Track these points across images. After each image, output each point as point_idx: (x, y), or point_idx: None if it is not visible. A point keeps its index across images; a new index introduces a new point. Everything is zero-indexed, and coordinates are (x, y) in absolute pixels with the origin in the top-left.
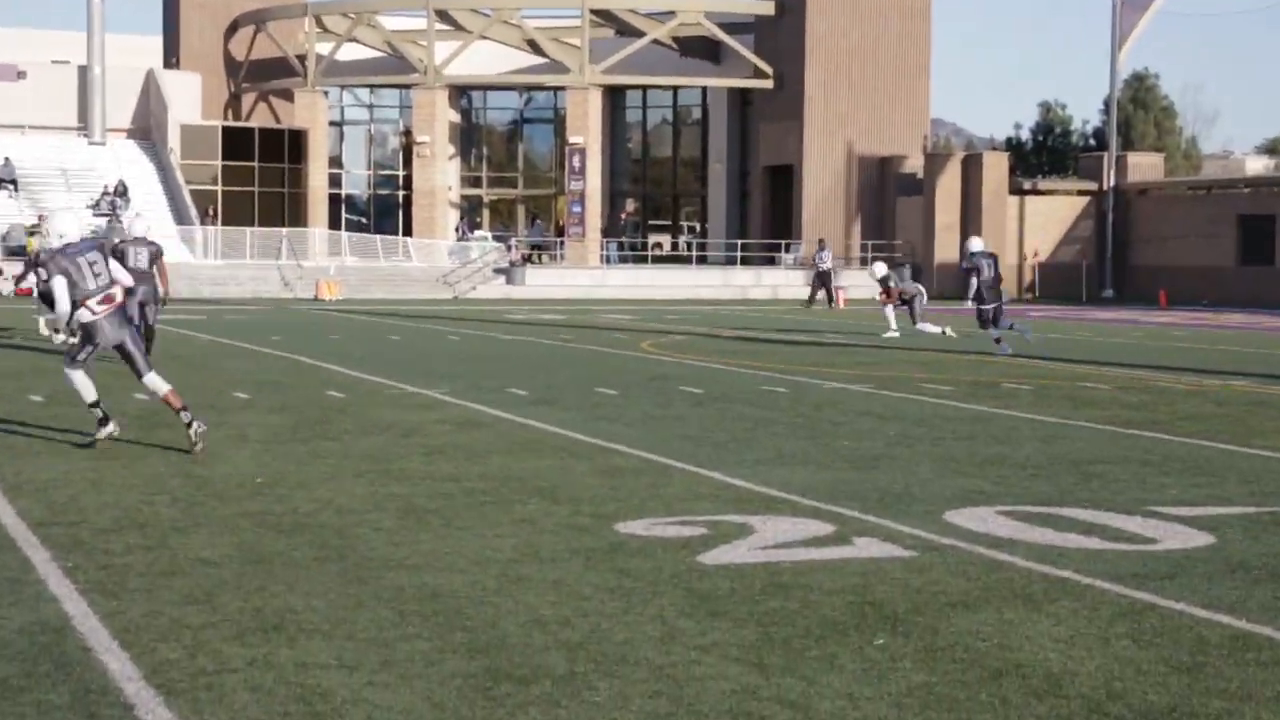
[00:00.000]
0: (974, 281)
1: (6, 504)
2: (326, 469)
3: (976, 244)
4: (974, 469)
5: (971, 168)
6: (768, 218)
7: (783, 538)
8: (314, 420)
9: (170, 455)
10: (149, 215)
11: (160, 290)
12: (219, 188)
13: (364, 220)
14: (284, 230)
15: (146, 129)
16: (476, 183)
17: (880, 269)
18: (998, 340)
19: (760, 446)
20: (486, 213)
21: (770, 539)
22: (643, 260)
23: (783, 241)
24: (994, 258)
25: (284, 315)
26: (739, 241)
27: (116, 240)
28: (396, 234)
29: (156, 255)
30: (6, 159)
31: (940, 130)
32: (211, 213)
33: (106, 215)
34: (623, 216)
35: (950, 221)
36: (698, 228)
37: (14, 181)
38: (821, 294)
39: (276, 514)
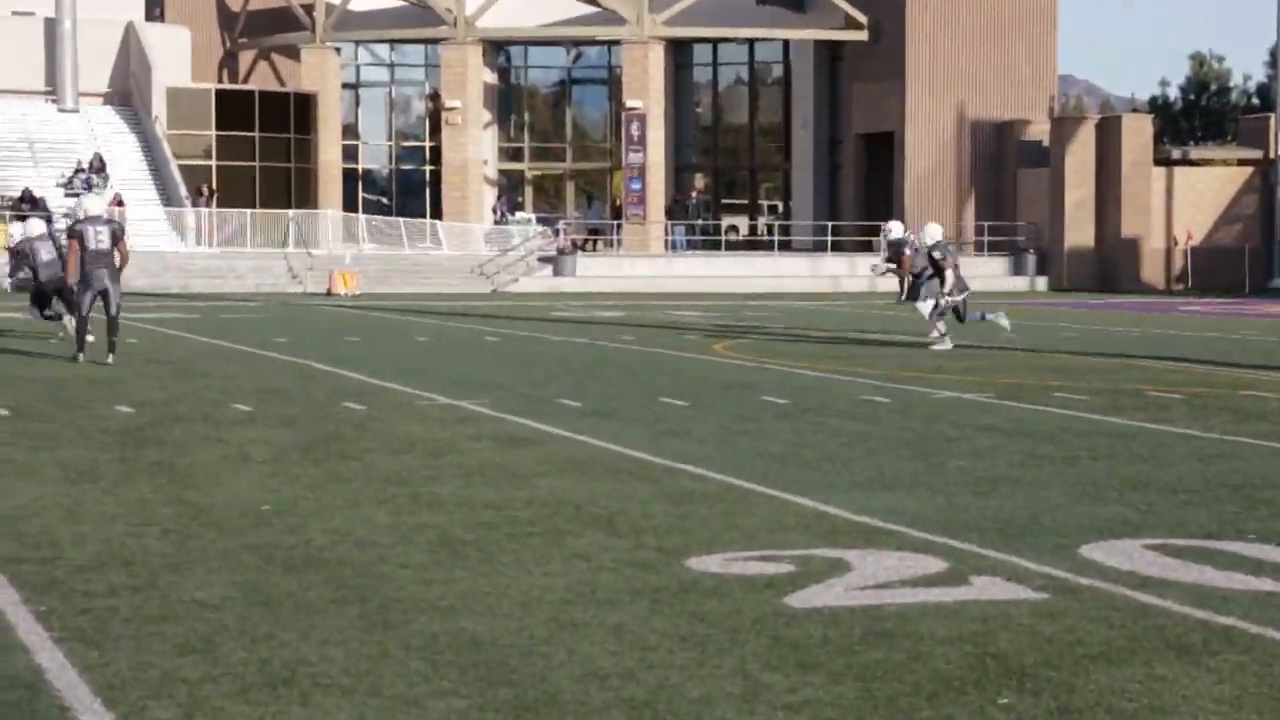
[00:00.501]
0: (949, 275)
1: None
2: (344, 494)
3: (937, 231)
4: (1115, 494)
5: (1108, 134)
6: (863, 195)
7: (886, 576)
8: (328, 437)
9: (160, 478)
10: (130, 193)
11: (118, 264)
12: (213, 162)
13: (385, 200)
14: (290, 213)
15: (127, 93)
16: (517, 155)
17: (896, 228)
18: (967, 320)
19: (859, 467)
20: (529, 191)
21: (871, 577)
22: (715, 247)
23: (880, 224)
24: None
25: (291, 313)
26: (829, 224)
27: (72, 221)
28: (423, 216)
29: (119, 235)
30: None
31: (1070, 89)
32: (205, 192)
33: (81, 194)
34: (692, 195)
35: (1083, 198)
36: (779, 208)
37: None
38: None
39: (286, 548)
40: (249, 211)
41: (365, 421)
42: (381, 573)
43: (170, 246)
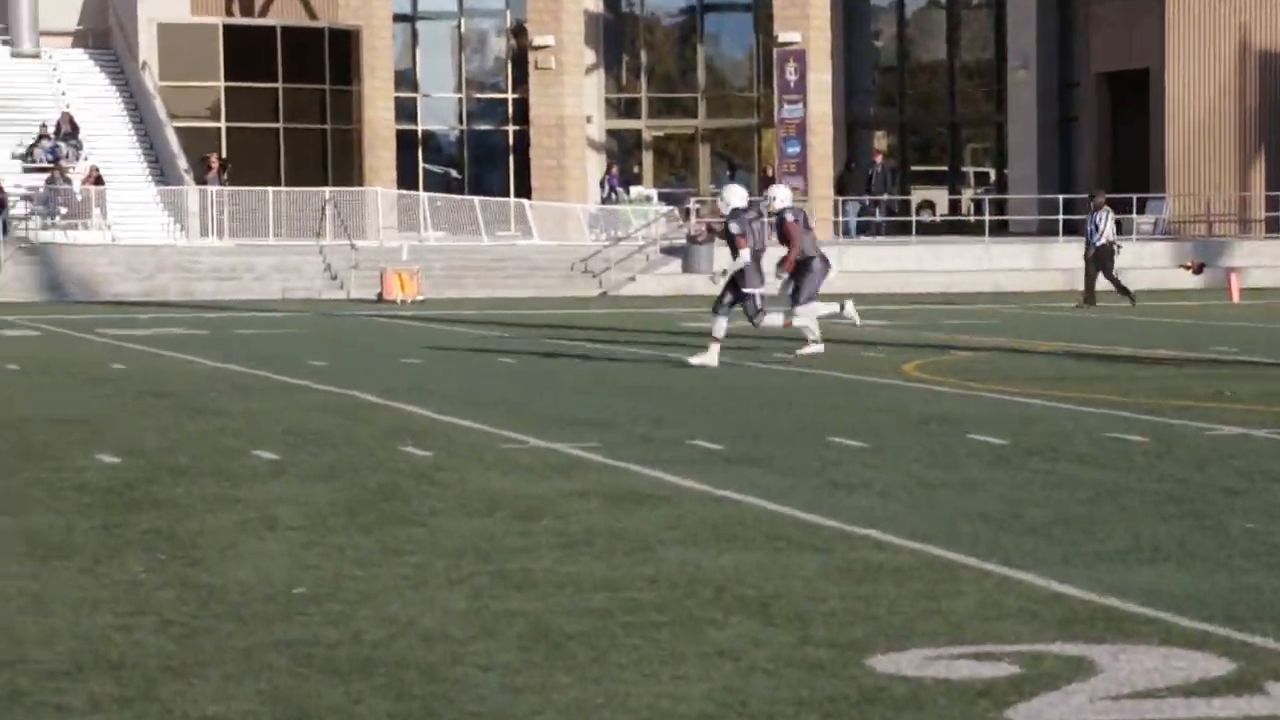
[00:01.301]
0: (745, 255)
1: None
2: (404, 572)
3: (738, 195)
4: None
5: None
6: (1107, 158)
7: (1147, 681)
8: (382, 494)
9: (156, 552)
10: (111, 167)
11: None
12: (222, 124)
13: (454, 173)
14: (327, 191)
15: (104, 32)
16: (631, 110)
17: (783, 195)
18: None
19: (1105, 531)
20: (648, 158)
21: (1126, 683)
22: (902, 231)
23: (1133, 196)
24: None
25: (330, 327)
26: (1059, 198)
27: None
28: (506, 194)
29: None
30: None
31: None
32: (213, 165)
33: (47, 168)
34: (876, 160)
35: None
36: (991, 177)
37: None
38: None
39: (327, 644)
40: (271, 190)
41: (431, 472)
42: (456, 677)
43: (166, 238)
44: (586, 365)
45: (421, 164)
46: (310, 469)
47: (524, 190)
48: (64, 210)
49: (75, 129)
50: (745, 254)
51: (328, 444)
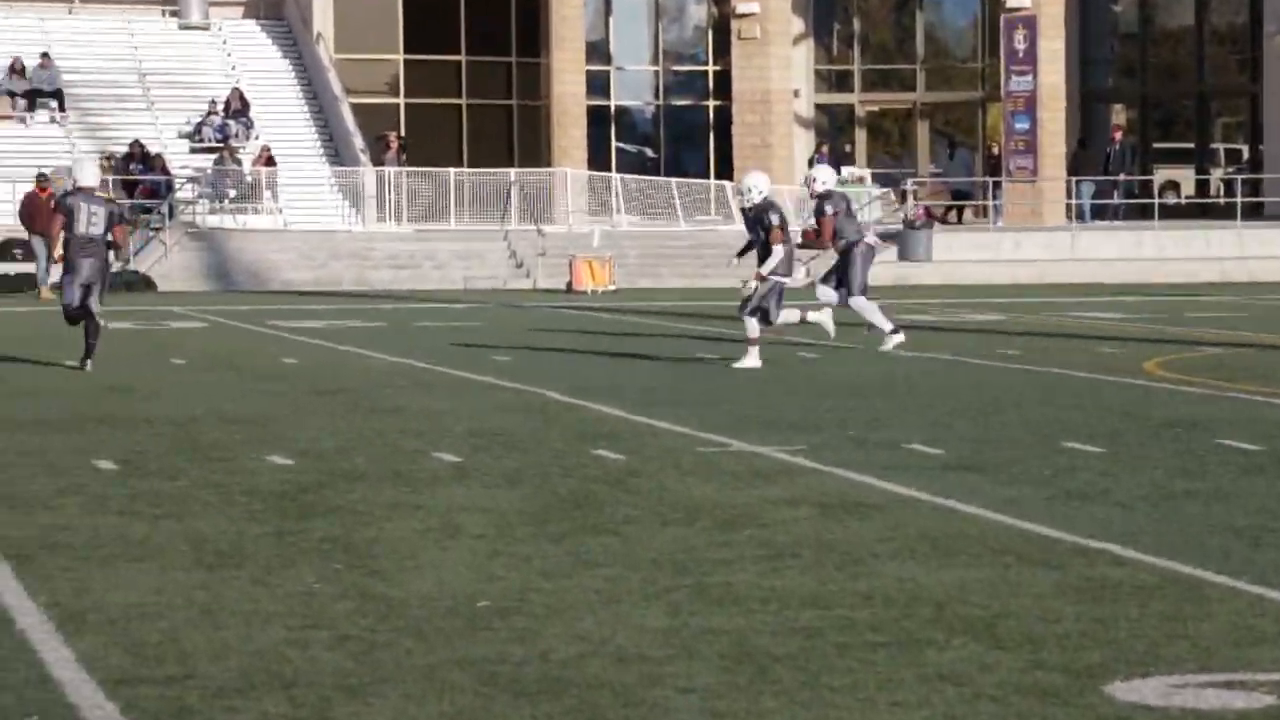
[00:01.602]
0: (780, 250)
1: (62, 646)
2: (596, 585)
3: (761, 181)
4: None
5: None
6: None
7: None
8: (572, 500)
9: (332, 561)
10: (283, 146)
11: (113, 257)
12: (401, 100)
13: (649, 153)
14: (513, 173)
15: (278, 2)
16: (843, 83)
17: (826, 176)
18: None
19: None
20: (862, 135)
21: None
22: (1144, 214)
23: None
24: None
25: (516, 320)
26: None
27: (61, 192)
28: (706, 175)
29: (115, 219)
30: (45, 56)
31: None
32: (392, 145)
33: (216, 148)
34: (1114, 136)
35: None
36: (1244, 154)
37: (57, 94)
38: None
39: (513, 662)
40: (453, 171)
41: (625, 478)
42: (652, 700)
43: (341, 224)
44: (792, 361)
45: (614, 143)
46: (495, 473)
47: (725, 171)
48: (233, 193)
49: (246, 106)
50: (779, 249)
51: (514, 446)
